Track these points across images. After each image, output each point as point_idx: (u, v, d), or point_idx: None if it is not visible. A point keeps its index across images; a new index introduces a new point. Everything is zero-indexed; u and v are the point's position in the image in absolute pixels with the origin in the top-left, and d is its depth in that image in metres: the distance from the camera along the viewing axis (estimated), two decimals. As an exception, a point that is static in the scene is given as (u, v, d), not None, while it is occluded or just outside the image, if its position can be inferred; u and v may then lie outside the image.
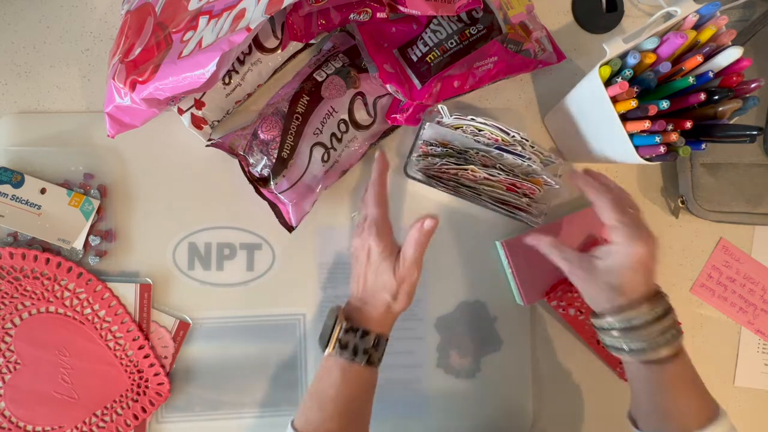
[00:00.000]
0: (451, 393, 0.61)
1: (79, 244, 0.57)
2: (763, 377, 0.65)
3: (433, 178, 0.58)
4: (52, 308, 0.56)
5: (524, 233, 0.61)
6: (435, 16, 0.55)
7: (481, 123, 0.56)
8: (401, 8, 0.50)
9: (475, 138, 0.56)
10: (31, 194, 0.56)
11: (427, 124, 0.58)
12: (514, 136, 0.56)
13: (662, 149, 0.48)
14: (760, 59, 0.56)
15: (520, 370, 0.62)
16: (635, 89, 0.48)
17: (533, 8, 0.61)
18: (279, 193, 0.54)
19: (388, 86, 0.55)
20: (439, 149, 0.57)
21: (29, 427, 0.56)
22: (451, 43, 0.55)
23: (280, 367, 0.60)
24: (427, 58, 0.55)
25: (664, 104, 0.48)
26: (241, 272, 0.60)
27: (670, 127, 0.49)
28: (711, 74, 0.48)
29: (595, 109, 0.52)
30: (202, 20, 0.47)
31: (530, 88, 0.65)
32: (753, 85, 0.49)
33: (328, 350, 0.49)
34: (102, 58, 0.60)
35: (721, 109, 0.49)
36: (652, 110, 0.48)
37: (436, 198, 0.61)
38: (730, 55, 0.48)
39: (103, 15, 0.60)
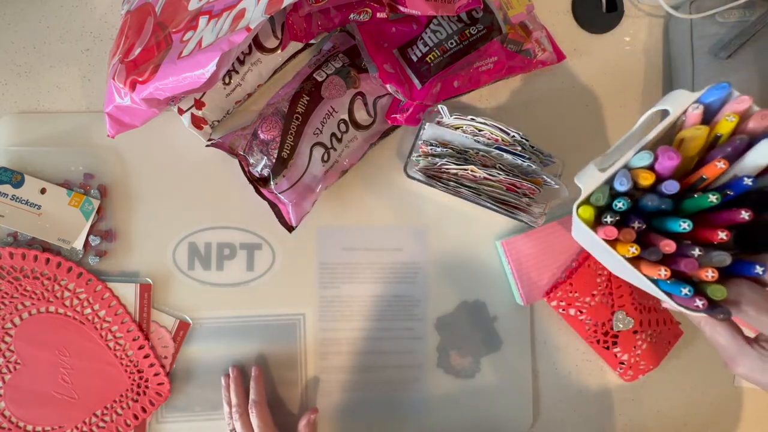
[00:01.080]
0: (451, 393, 0.61)
1: (79, 244, 0.57)
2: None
3: (433, 178, 0.58)
4: (52, 308, 0.56)
5: (525, 233, 0.61)
6: (435, 16, 0.55)
7: (481, 123, 0.56)
8: (401, 8, 0.50)
9: (475, 138, 0.56)
10: (31, 194, 0.56)
11: (427, 124, 0.58)
12: (514, 136, 0.56)
13: (699, 303, 0.34)
14: (761, 59, 0.56)
15: (520, 370, 0.62)
16: (636, 226, 0.36)
17: (533, 8, 0.61)
18: (279, 193, 0.54)
19: (388, 86, 0.55)
20: (439, 149, 0.57)
21: (29, 427, 0.56)
22: (451, 43, 0.55)
23: (280, 367, 0.60)
24: (427, 58, 0.55)
25: (683, 225, 0.34)
26: (241, 272, 0.60)
27: (697, 253, 0.34)
28: (746, 181, 0.34)
29: (601, 251, 0.39)
30: (202, 20, 0.47)
31: (530, 88, 0.65)
32: None
33: None
34: (102, 58, 0.60)
35: None
36: (667, 248, 0.35)
37: (436, 198, 0.61)
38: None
39: (103, 15, 0.60)
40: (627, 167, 0.36)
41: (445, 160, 0.56)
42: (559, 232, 0.61)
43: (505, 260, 0.61)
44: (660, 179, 0.36)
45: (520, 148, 0.56)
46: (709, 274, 0.34)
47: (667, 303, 0.38)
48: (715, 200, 0.34)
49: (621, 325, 0.60)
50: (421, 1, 0.49)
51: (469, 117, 0.56)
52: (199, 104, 0.55)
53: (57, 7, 0.60)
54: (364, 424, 0.61)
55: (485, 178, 0.56)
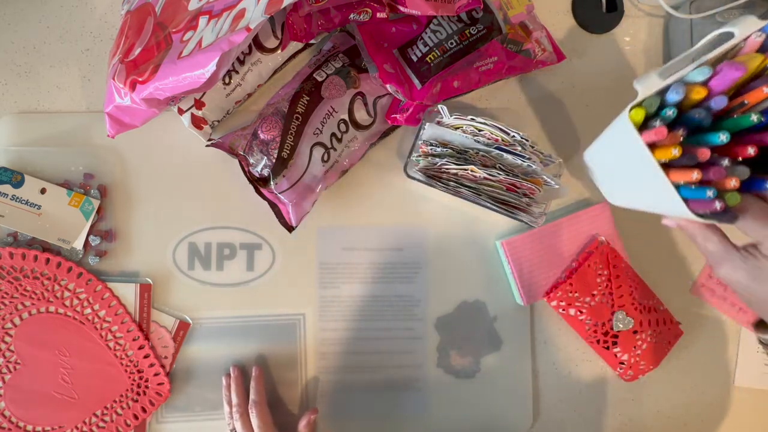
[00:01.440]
0: (451, 393, 0.61)
1: (79, 244, 0.57)
2: (763, 377, 0.65)
3: (433, 178, 0.58)
4: (52, 308, 0.56)
5: (525, 233, 0.61)
6: (435, 16, 0.55)
7: (481, 123, 0.56)
8: (401, 8, 0.50)
9: (475, 138, 0.56)
10: (31, 194, 0.56)
11: (427, 124, 0.58)
12: (514, 136, 0.56)
13: (717, 205, 0.37)
14: (761, 59, 0.56)
15: (520, 370, 0.62)
16: (680, 133, 0.38)
17: (533, 8, 0.61)
18: (279, 193, 0.54)
19: (388, 86, 0.55)
20: (439, 149, 0.57)
21: (29, 427, 0.56)
22: (451, 43, 0.55)
23: (280, 367, 0.60)
24: (427, 58, 0.55)
25: (722, 137, 0.37)
26: (241, 272, 0.60)
27: (725, 163, 0.38)
28: None
29: (630, 158, 0.42)
30: (202, 20, 0.47)
31: (530, 88, 0.65)
32: None
33: None
34: (102, 58, 0.60)
35: None
36: (703, 155, 0.38)
37: (436, 198, 0.61)
38: None
39: (103, 15, 0.60)
40: (683, 81, 0.38)
41: (445, 160, 0.56)
42: (559, 232, 0.61)
43: (505, 260, 0.61)
44: (709, 96, 0.38)
45: (520, 148, 0.56)
46: (733, 183, 0.37)
47: (671, 217, 0.43)
48: (755, 119, 0.37)
49: (621, 325, 0.60)
50: (421, 1, 0.49)
51: (469, 117, 0.56)
52: (199, 104, 0.55)
53: (57, 7, 0.60)
54: (364, 425, 0.61)
55: (485, 178, 0.56)
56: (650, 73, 0.39)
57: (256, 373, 0.58)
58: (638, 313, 0.60)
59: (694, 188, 0.38)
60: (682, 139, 0.38)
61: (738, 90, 0.39)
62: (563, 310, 0.60)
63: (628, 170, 0.45)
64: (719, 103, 0.38)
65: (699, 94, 0.38)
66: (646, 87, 0.39)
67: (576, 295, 0.60)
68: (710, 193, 0.37)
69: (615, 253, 0.61)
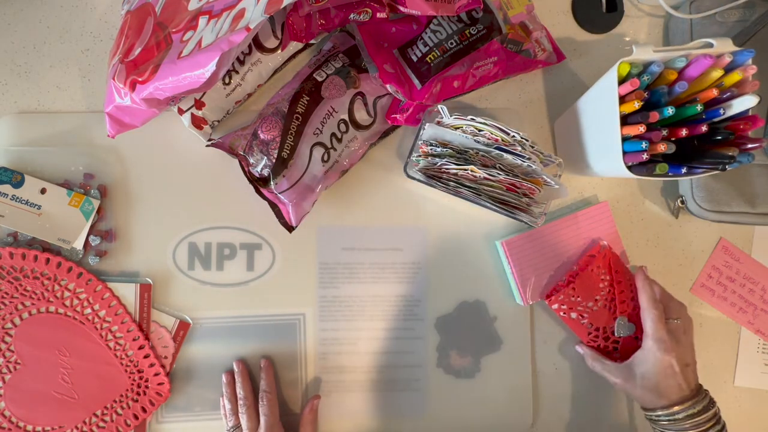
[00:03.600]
0: (451, 393, 0.61)
1: (79, 244, 0.57)
2: (763, 377, 0.65)
3: (433, 178, 0.58)
4: (52, 308, 0.56)
5: (525, 233, 0.61)
6: (435, 16, 0.55)
7: (481, 123, 0.56)
8: (401, 8, 0.50)
9: (475, 138, 0.56)
10: (31, 194, 0.56)
11: (427, 124, 0.58)
12: (514, 136, 0.56)
13: (645, 156, 0.48)
14: (760, 59, 0.56)
15: (520, 370, 0.62)
16: (645, 93, 0.48)
17: (533, 8, 0.61)
18: (279, 193, 0.54)
19: (388, 86, 0.55)
20: (439, 149, 0.57)
21: (29, 427, 0.56)
22: (451, 43, 0.55)
23: (280, 367, 0.60)
24: (427, 58, 0.55)
25: (669, 110, 0.48)
26: (241, 272, 0.60)
27: (664, 133, 0.48)
28: (722, 111, 0.49)
29: (600, 107, 0.52)
30: (202, 20, 0.47)
31: (530, 88, 0.65)
32: (751, 146, 0.50)
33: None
34: (102, 58, 0.60)
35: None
36: (653, 117, 0.48)
37: (436, 198, 0.61)
38: (747, 102, 0.48)
39: (103, 15, 0.60)
40: (664, 62, 0.49)
41: (445, 160, 0.56)
42: (559, 232, 0.61)
43: (505, 260, 0.61)
44: (676, 81, 0.50)
45: (520, 148, 0.56)
46: (662, 147, 0.48)
47: (582, 349, 0.61)
48: (700, 109, 0.49)
49: (623, 331, 0.60)
50: (421, 1, 0.49)
51: (469, 117, 0.56)
52: (199, 104, 0.55)
53: (57, 7, 0.60)
54: (364, 424, 0.61)
55: (485, 178, 0.56)
56: (648, 45, 0.49)
57: (264, 364, 0.58)
58: (640, 320, 0.59)
59: (635, 142, 0.49)
60: (644, 98, 0.48)
61: (693, 93, 0.51)
62: (564, 313, 0.60)
63: (588, 127, 0.56)
64: (681, 86, 0.49)
65: (671, 75, 0.49)
66: (641, 52, 0.49)
67: (578, 299, 0.60)
68: (644, 144, 0.48)
69: (617, 258, 0.61)
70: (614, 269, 0.60)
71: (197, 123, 0.56)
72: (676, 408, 0.52)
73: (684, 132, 0.49)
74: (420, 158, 0.58)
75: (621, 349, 0.60)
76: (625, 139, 0.49)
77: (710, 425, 0.52)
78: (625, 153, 0.49)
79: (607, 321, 0.60)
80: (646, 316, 0.56)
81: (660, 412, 0.53)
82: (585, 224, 0.62)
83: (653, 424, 0.55)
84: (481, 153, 0.56)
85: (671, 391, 0.53)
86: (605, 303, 0.60)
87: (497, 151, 0.56)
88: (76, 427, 0.56)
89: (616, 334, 0.60)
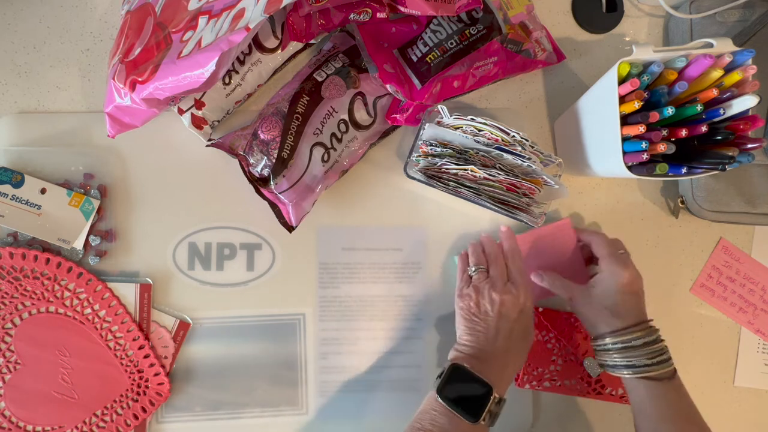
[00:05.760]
0: (451, 393, 0.61)
1: (79, 244, 0.57)
2: (763, 377, 0.65)
3: (433, 178, 0.58)
4: (52, 308, 0.56)
5: (525, 233, 0.61)
6: (435, 17, 0.55)
7: (481, 123, 0.56)
8: (401, 8, 0.50)
9: (475, 138, 0.56)
10: (31, 194, 0.56)
11: (427, 124, 0.58)
12: (514, 136, 0.56)
13: (645, 156, 0.48)
14: (760, 59, 0.56)
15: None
16: (645, 93, 0.48)
17: (533, 8, 0.61)
18: (279, 193, 0.54)
19: (388, 86, 0.55)
20: (439, 149, 0.57)
21: (29, 427, 0.56)
22: (451, 43, 0.55)
23: (280, 367, 0.60)
24: (427, 58, 0.55)
25: (669, 111, 0.48)
26: (241, 272, 0.60)
27: (665, 133, 0.49)
28: (722, 111, 0.49)
29: (600, 107, 0.52)
30: (202, 20, 0.47)
31: (530, 88, 0.65)
32: (751, 146, 0.50)
33: (479, 422, 0.47)
34: (102, 58, 0.60)
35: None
36: (653, 117, 0.48)
37: (436, 198, 0.61)
38: (747, 102, 0.48)
39: (103, 15, 0.60)
40: (663, 62, 0.49)
41: (445, 160, 0.56)
42: (559, 233, 0.61)
43: (505, 260, 0.61)
44: (676, 81, 0.50)
45: (520, 148, 0.56)
46: (662, 147, 0.48)
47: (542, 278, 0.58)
48: (700, 109, 0.49)
49: (596, 369, 0.59)
50: (421, 1, 0.49)
51: (469, 117, 0.56)
52: (199, 104, 0.55)
53: (57, 7, 0.60)
54: (364, 424, 0.61)
55: (485, 178, 0.56)
56: (648, 45, 0.49)
57: (505, 228, 0.58)
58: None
59: (635, 142, 0.49)
60: (644, 98, 0.49)
61: (694, 93, 0.51)
62: (539, 386, 0.60)
63: (589, 127, 0.56)
64: (681, 86, 0.49)
65: (671, 75, 0.49)
66: (641, 52, 0.49)
67: (540, 370, 0.60)
68: (644, 144, 0.48)
69: (547, 312, 0.61)
70: (550, 324, 0.60)
71: (197, 123, 0.56)
72: (633, 330, 0.51)
73: (684, 132, 0.49)
74: (420, 158, 0.58)
75: (607, 384, 0.60)
76: (625, 139, 0.49)
77: (665, 357, 0.51)
78: (625, 153, 0.49)
79: (579, 370, 0.60)
80: (595, 243, 0.57)
81: (614, 338, 0.52)
82: (549, 241, 0.61)
83: (601, 355, 0.54)
84: (481, 153, 0.56)
85: (629, 312, 0.53)
86: (564, 357, 0.60)
87: (497, 151, 0.56)
88: (76, 427, 0.56)
89: (593, 375, 0.60)
